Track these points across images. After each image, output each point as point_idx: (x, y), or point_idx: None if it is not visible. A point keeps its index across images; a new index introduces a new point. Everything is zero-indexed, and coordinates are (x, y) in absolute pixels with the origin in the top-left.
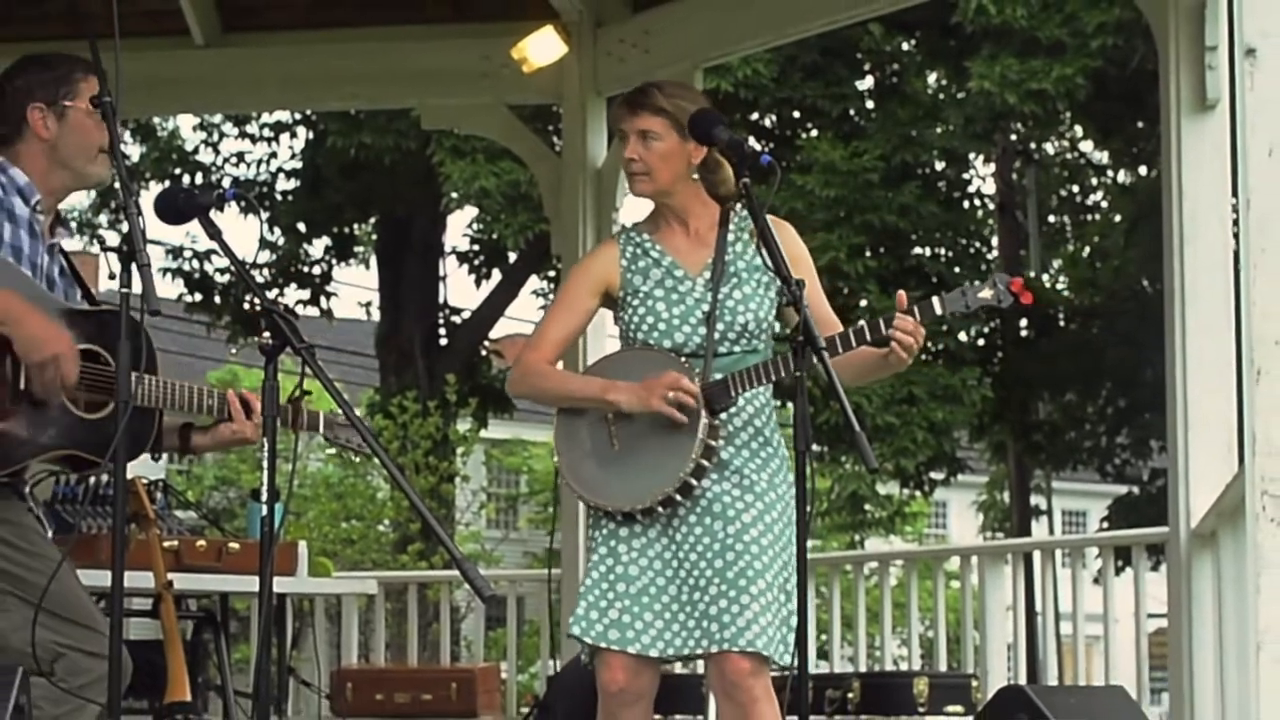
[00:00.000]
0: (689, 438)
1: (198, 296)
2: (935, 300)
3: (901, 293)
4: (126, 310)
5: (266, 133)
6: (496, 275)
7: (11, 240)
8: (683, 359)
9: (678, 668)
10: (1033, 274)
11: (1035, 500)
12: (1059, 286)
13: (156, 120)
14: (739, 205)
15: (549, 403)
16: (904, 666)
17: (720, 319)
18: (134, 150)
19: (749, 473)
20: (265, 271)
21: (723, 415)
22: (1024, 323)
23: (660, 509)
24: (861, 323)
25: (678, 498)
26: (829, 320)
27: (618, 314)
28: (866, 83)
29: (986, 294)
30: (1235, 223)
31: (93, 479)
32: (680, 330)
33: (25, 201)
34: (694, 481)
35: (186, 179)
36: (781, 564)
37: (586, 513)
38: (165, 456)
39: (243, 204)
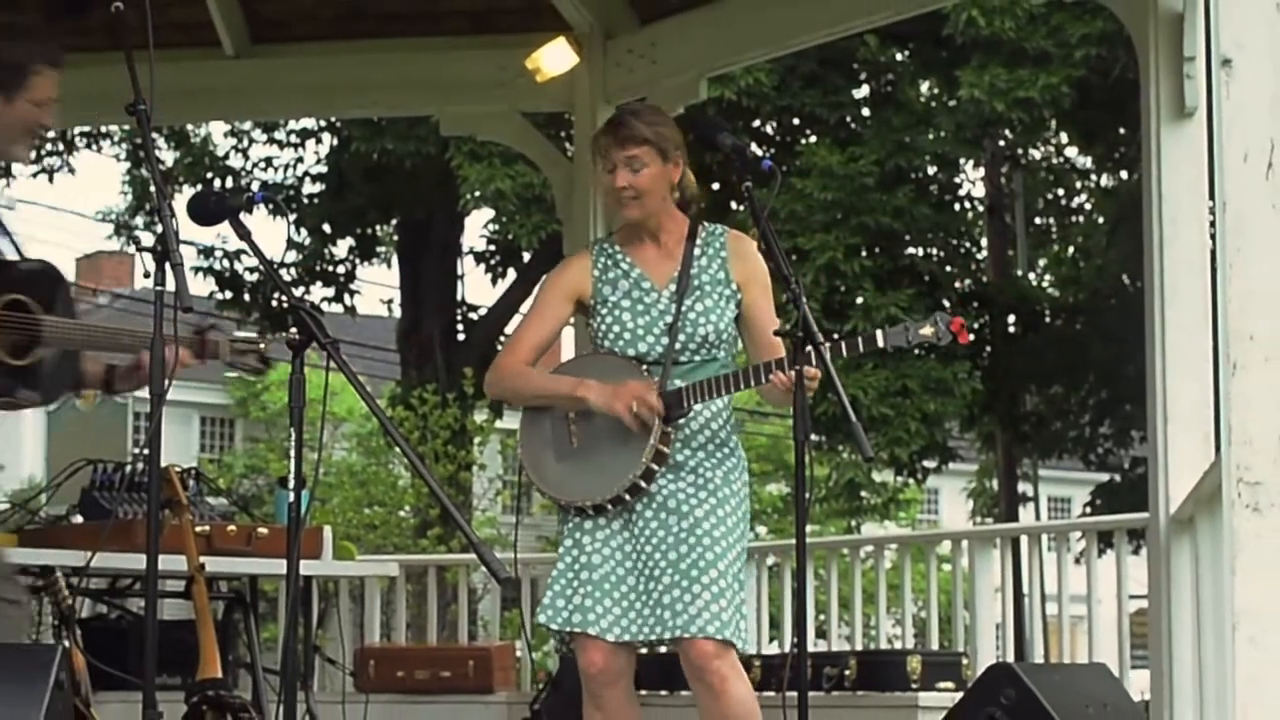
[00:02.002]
0: (642, 441)
1: (228, 294)
2: (879, 333)
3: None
4: (160, 308)
5: (293, 139)
6: (511, 274)
7: None
8: (644, 367)
9: None
10: (1020, 273)
11: (1022, 487)
12: (1045, 285)
13: (189, 127)
14: (706, 221)
15: (522, 401)
16: (898, 645)
17: (682, 330)
18: (168, 156)
19: (704, 471)
20: (292, 270)
21: (679, 420)
22: (1012, 319)
23: (610, 506)
24: (774, 360)
25: (627, 497)
26: (773, 343)
27: (589, 321)
28: (862, 91)
29: (927, 330)
30: (1212, 224)
31: (128, 468)
32: (644, 340)
33: None
34: (643, 484)
35: (218, 183)
36: (735, 555)
37: (555, 506)
38: (197, 447)
39: (271, 206)
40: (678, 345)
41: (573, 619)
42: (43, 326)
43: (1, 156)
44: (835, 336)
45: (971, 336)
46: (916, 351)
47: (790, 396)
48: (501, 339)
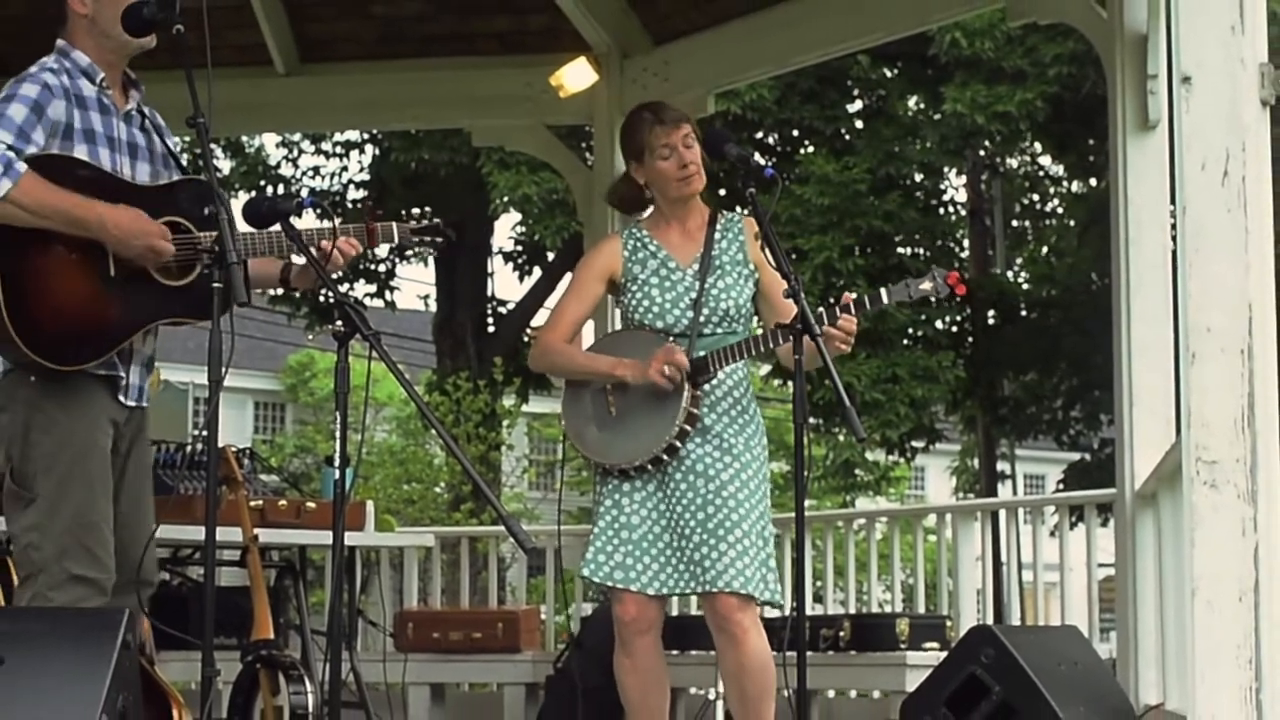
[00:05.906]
0: (674, 406)
1: (279, 290)
2: (883, 291)
3: (847, 295)
4: (217, 304)
5: (339, 149)
6: (537, 272)
7: (82, 125)
8: (671, 338)
9: (693, 610)
10: (998, 270)
11: (1001, 466)
12: (1022, 282)
13: (244, 139)
14: (724, 209)
15: (565, 375)
16: (888, 609)
17: (705, 304)
18: (225, 164)
19: (728, 436)
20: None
21: (705, 386)
22: (991, 313)
23: (650, 467)
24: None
25: (665, 458)
26: (786, 308)
27: (619, 298)
28: (856, 106)
29: (926, 285)
30: (1173, 227)
31: (188, 448)
32: (671, 313)
33: (91, 81)
34: (678, 444)
35: (270, 189)
36: (758, 514)
37: (594, 470)
38: (252, 429)
39: (318, 211)
40: (701, 318)
41: (614, 575)
42: (200, 245)
43: (126, 48)
44: (849, 297)
45: (965, 288)
46: (905, 342)
47: (816, 356)
48: (529, 330)
